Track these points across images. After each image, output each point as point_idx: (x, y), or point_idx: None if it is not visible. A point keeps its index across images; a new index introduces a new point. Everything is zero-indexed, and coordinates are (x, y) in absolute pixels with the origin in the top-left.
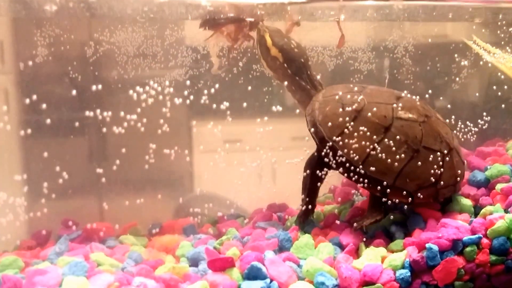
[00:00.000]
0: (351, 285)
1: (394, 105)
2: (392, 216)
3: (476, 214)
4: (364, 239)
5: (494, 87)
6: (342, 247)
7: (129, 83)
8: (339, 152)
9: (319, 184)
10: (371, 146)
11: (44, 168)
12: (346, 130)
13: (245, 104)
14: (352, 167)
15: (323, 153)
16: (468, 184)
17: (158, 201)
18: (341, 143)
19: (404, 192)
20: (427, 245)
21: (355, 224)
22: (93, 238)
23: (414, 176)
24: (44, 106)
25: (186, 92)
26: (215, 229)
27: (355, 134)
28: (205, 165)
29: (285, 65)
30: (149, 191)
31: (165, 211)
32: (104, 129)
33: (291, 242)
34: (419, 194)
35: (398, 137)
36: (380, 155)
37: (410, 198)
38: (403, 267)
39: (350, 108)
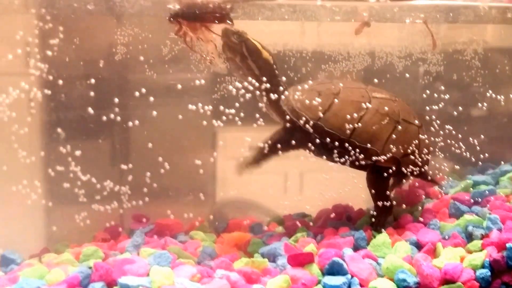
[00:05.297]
0: (432, 282)
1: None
2: (468, 218)
3: None
4: (443, 238)
5: None
6: (418, 246)
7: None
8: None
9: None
10: (356, 120)
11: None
12: (328, 108)
13: None
14: (338, 142)
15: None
16: None
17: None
18: (325, 121)
19: (391, 158)
20: (507, 245)
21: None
22: (164, 233)
23: (399, 143)
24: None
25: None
26: (282, 228)
27: (338, 111)
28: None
29: (274, 66)
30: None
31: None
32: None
33: (366, 240)
34: (404, 160)
35: (379, 110)
36: (365, 127)
37: (396, 164)
38: (483, 266)
39: (327, 93)
